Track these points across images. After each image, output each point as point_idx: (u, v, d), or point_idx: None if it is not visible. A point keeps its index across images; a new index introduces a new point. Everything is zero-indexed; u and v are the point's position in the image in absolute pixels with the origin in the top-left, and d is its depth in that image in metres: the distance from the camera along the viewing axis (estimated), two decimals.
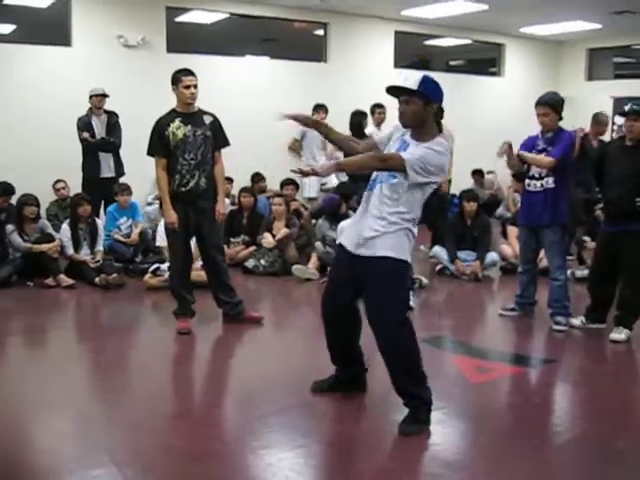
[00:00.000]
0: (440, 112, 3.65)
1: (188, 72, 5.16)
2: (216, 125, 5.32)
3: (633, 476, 3.29)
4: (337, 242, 3.95)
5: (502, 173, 11.54)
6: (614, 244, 5.21)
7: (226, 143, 5.42)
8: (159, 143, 5.18)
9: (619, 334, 5.19)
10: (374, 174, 3.66)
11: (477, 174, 11.78)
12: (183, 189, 5.19)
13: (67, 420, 3.79)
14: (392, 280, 3.61)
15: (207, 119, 5.28)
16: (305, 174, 3.46)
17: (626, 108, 5.22)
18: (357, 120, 8.00)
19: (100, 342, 5.23)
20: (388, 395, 3.99)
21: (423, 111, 3.50)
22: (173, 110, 5.23)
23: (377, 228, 3.55)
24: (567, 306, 5.52)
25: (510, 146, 5.33)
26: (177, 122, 5.14)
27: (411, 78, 3.49)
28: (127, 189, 7.63)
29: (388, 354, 3.71)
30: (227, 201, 6.59)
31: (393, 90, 3.55)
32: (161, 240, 6.94)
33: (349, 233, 3.77)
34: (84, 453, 3.38)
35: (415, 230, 3.63)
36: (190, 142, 5.14)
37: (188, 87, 5.11)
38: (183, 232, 5.25)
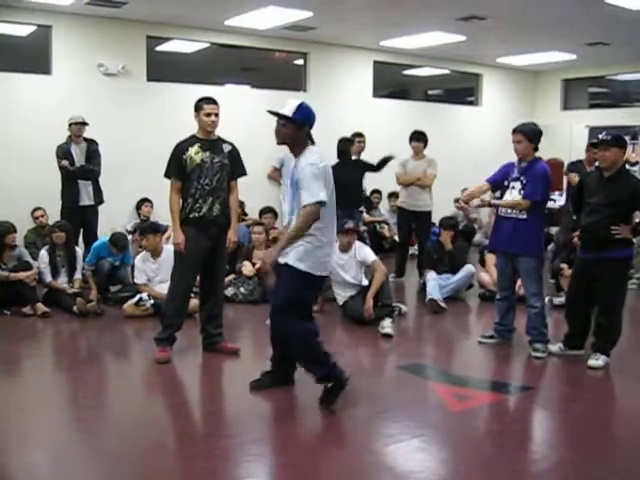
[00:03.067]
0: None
1: (210, 100, 5.24)
2: (234, 154, 5.38)
3: None
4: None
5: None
6: (589, 271, 5.27)
7: (243, 172, 5.47)
8: (176, 166, 5.21)
9: (596, 360, 5.23)
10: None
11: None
12: (196, 214, 5.20)
13: (45, 451, 3.73)
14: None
15: (226, 147, 5.34)
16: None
17: (598, 139, 5.30)
18: (342, 147, 8.07)
19: (79, 372, 5.17)
20: (369, 425, 4.01)
21: (296, 133, 4.17)
22: (193, 136, 5.30)
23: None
24: (545, 333, 5.56)
25: (465, 202, 5.76)
26: (196, 147, 5.20)
27: (289, 106, 4.15)
28: (127, 246, 7.56)
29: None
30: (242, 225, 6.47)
31: (273, 113, 4.19)
32: (139, 277, 6.91)
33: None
34: None
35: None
36: (207, 168, 5.19)
37: (209, 115, 5.19)
38: (191, 256, 5.21)
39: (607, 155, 5.13)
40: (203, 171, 5.18)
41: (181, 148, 5.23)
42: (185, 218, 5.22)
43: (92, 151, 7.80)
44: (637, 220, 5.63)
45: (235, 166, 5.38)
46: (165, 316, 5.37)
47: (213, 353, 5.46)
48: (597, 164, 5.47)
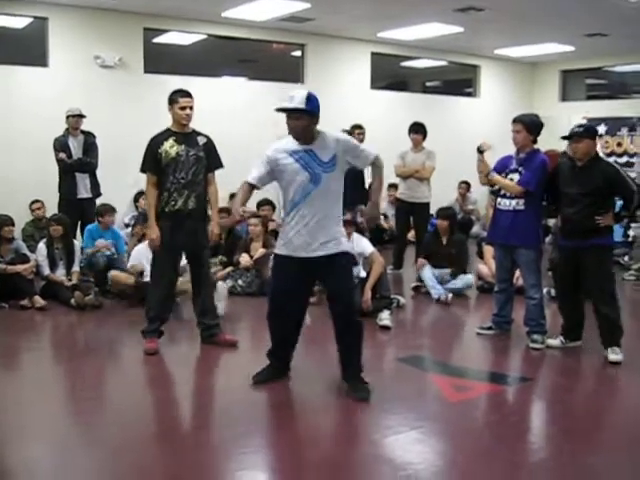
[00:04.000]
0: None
1: (185, 93, 5.20)
2: (209, 146, 5.34)
3: None
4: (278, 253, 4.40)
5: (479, 192, 11.71)
6: (574, 259, 5.26)
7: (219, 165, 5.43)
8: (151, 160, 5.18)
9: (617, 355, 5.12)
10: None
11: (464, 184, 11.79)
12: (171, 208, 5.17)
13: (43, 443, 3.72)
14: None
15: (201, 140, 5.30)
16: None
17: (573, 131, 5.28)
18: None
19: (77, 364, 5.17)
20: (368, 416, 4.01)
21: (311, 123, 4.15)
22: (168, 129, 5.26)
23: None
24: (543, 324, 5.55)
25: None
26: (171, 141, 5.17)
27: (297, 97, 4.09)
28: (111, 211, 7.58)
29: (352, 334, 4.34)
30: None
31: (283, 109, 4.15)
32: (134, 260, 6.92)
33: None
34: (61, 478, 3.34)
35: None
36: (182, 161, 5.15)
37: (184, 108, 5.15)
38: (168, 251, 5.22)
39: (580, 147, 5.15)
40: (178, 165, 5.14)
41: (156, 142, 5.19)
42: (161, 212, 5.20)
43: (89, 144, 7.80)
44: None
45: (211, 159, 5.34)
46: (150, 309, 5.37)
47: (211, 345, 5.45)
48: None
